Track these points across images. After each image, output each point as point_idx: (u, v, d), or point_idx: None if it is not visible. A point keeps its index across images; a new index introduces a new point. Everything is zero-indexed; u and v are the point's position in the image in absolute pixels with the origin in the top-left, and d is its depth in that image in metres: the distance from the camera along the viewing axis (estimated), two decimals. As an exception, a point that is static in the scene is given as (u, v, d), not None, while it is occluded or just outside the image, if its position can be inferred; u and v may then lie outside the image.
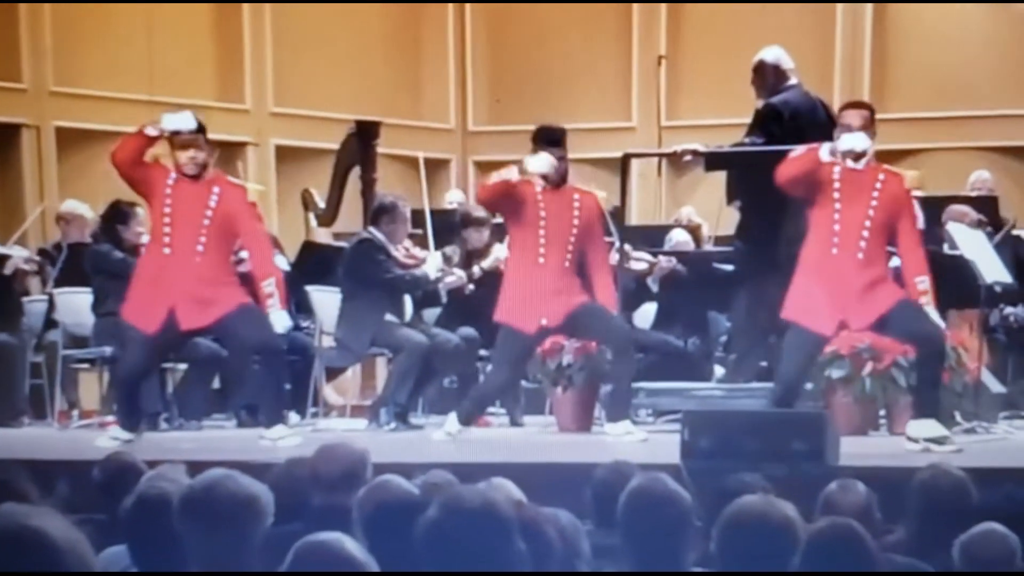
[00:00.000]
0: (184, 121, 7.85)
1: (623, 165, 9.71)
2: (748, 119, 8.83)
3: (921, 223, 9.51)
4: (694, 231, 11.20)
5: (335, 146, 11.66)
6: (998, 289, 8.64)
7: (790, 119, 8.55)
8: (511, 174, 8.06)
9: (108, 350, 9.32)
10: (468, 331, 9.50)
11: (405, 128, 13.80)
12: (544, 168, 8.03)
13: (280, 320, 7.83)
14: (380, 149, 11.46)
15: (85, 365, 10.14)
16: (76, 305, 9.82)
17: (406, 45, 14.72)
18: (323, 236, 11.45)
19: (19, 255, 10.49)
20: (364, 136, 11.26)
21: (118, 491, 4.75)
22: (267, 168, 13.89)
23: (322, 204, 11.48)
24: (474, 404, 8.26)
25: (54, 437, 9.39)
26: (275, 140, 13.92)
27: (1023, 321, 9.73)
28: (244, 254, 8.22)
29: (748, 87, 8.92)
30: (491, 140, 14.64)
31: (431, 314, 9.87)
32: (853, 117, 7.39)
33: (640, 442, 7.79)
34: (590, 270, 8.09)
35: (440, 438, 8.06)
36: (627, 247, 9.43)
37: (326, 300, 9.66)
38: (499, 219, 8.98)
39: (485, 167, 14.84)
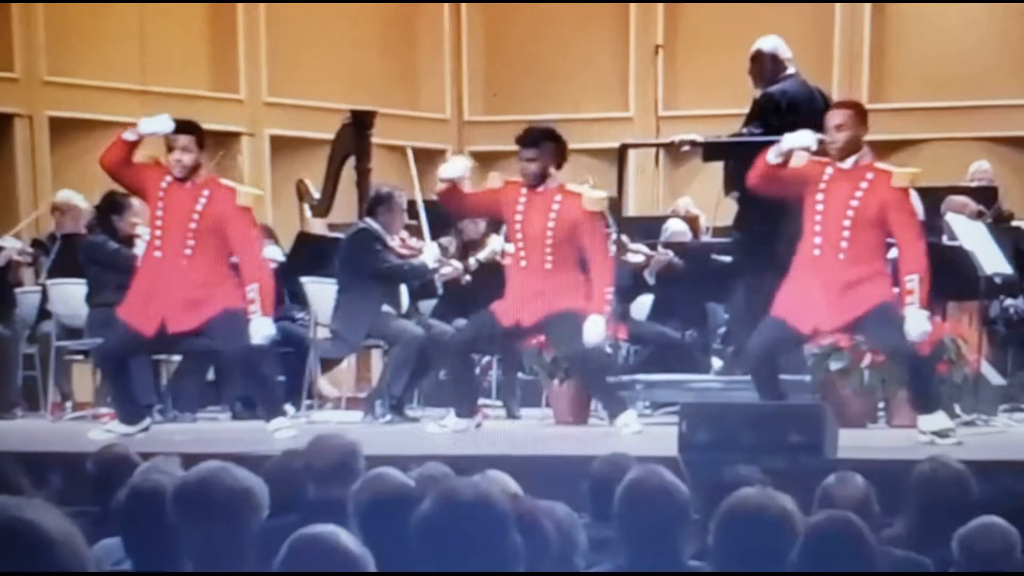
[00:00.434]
0: (160, 124, 7.80)
1: (620, 155, 9.69)
2: (746, 109, 8.81)
3: (920, 214, 9.50)
4: (692, 222, 11.18)
5: (330, 136, 11.64)
6: (998, 280, 8.61)
7: (788, 109, 8.53)
8: (494, 182, 8.10)
9: (102, 341, 9.29)
10: (464, 322, 9.48)
11: (401, 118, 13.77)
12: (452, 173, 8.04)
13: (260, 328, 7.70)
14: (375, 139, 11.44)
15: (79, 356, 10.11)
16: (70, 296, 9.79)
17: (402, 35, 14.69)
18: (318, 227, 11.43)
19: (12, 246, 10.46)
20: (359, 126, 11.23)
21: (112, 483, 4.72)
22: (262, 158, 13.86)
23: (317, 194, 11.45)
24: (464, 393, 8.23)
25: (47, 429, 9.37)
26: (270, 130, 13.90)
27: (1023, 313, 9.70)
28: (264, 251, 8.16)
29: (746, 77, 8.90)
30: (487, 130, 14.61)
31: (427, 305, 9.85)
32: (831, 116, 7.34)
33: (634, 434, 7.76)
34: (588, 270, 8.03)
35: (432, 430, 8.06)
36: (624, 238, 9.40)
37: (321, 291, 9.63)
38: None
39: (481, 157, 14.82)
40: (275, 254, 10.29)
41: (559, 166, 8.11)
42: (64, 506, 2.40)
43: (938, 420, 7.18)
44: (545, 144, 8.04)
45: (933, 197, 9.74)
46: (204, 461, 3.89)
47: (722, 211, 10.35)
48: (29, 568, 2.04)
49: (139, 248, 9.13)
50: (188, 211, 7.78)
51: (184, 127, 7.91)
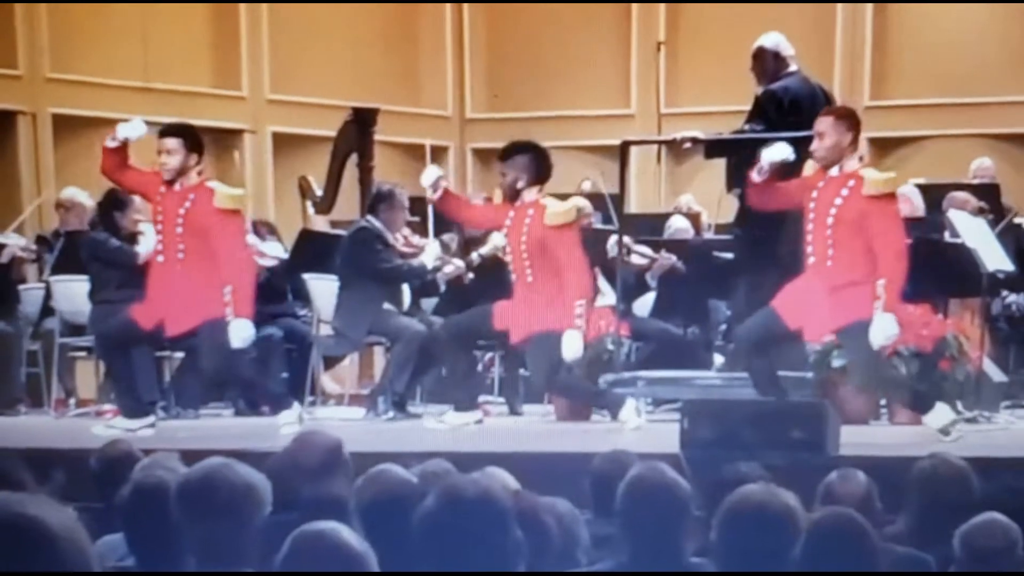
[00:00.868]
0: (133, 129, 7.84)
1: (622, 153, 9.68)
2: (748, 106, 8.80)
3: (921, 211, 9.49)
4: (693, 219, 11.18)
5: (332, 133, 11.63)
6: (1000, 276, 8.61)
7: (790, 106, 8.52)
8: (498, 197, 8.17)
9: (103, 325, 9.30)
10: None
11: (403, 115, 13.78)
12: (426, 182, 8.04)
13: (237, 331, 7.65)
14: (378, 136, 11.44)
15: (82, 353, 10.12)
16: (73, 293, 9.80)
17: (404, 32, 14.70)
18: (320, 224, 11.43)
19: (15, 243, 10.46)
20: (362, 123, 11.23)
21: (115, 480, 4.73)
22: (264, 155, 13.87)
23: (319, 192, 11.45)
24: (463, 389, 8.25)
25: (50, 425, 9.38)
26: (272, 127, 13.90)
27: (1025, 309, 9.70)
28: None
29: (748, 74, 8.90)
30: (489, 128, 14.62)
31: (429, 303, 9.85)
32: (816, 124, 7.33)
33: (634, 429, 7.75)
34: (549, 279, 8.00)
35: (431, 426, 8.07)
36: (627, 240, 9.40)
37: (323, 288, 9.63)
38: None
39: (483, 155, 14.83)
40: (277, 251, 10.30)
41: (538, 180, 8.03)
42: (67, 502, 2.40)
43: (939, 417, 7.17)
44: (517, 158, 8.01)
45: (935, 194, 9.75)
46: (207, 457, 3.90)
47: (724, 208, 10.36)
48: (32, 564, 2.04)
49: (141, 245, 9.13)
50: (175, 215, 7.83)
51: (169, 130, 7.92)
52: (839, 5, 13.98)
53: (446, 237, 10.04)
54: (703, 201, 11.78)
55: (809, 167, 7.36)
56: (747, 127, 8.64)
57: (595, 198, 10.70)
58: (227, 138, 13.60)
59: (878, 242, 7.10)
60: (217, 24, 13.74)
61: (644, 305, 10.17)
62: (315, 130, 13.13)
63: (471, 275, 9.53)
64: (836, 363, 8.22)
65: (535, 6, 14.49)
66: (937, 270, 7.47)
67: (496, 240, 9.39)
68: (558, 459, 6.39)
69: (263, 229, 10.68)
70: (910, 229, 7.53)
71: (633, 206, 12.61)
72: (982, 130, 13.46)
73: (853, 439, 6.79)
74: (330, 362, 10.33)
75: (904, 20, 14.04)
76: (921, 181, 10.52)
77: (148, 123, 7.99)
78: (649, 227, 10.72)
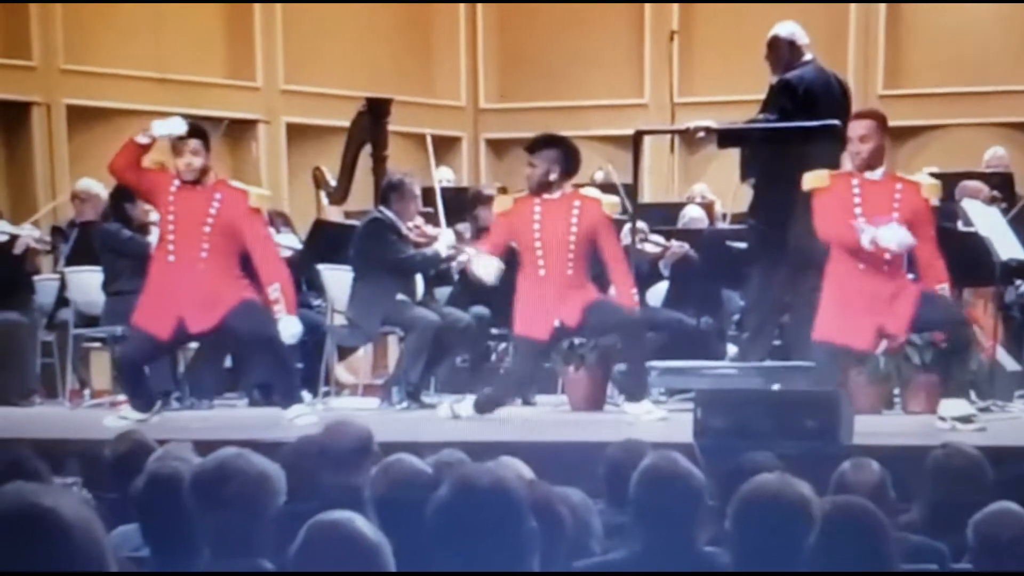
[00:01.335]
0: (173, 126, 7.83)
1: (635, 142, 9.66)
2: (762, 95, 8.78)
3: (935, 200, 9.48)
4: (707, 208, 11.17)
5: (346, 124, 11.64)
6: (1013, 265, 8.59)
7: (805, 95, 8.50)
8: (503, 205, 8.11)
9: (119, 329, 9.32)
10: (480, 309, 9.49)
11: (416, 106, 13.77)
12: (483, 273, 8.03)
13: (288, 327, 7.80)
14: (391, 127, 11.44)
15: (96, 344, 10.14)
16: (87, 284, 9.82)
17: (417, 22, 14.69)
18: (334, 214, 11.44)
19: (29, 234, 10.48)
20: (375, 114, 11.24)
21: (129, 470, 4.74)
22: (278, 146, 13.88)
23: (333, 182, 11.46)
24: (493, 399, 8.20)
25: (65, 416, 9.40)
26: (286, 118, 13.91)
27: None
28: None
29: (762, 63, 8.88)
30: (502, 118, 14.62)
31: (443, 293, 9.86)
32: (855, 127, 7.35)
33: (660, 420, 7.77)
34: (607, 271, 8.06)
35: (444, 415, 8.07)
36: (642, 226, 9.39)
37: (337, 278, 9.64)
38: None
39: (496, 145, 14.82)
40: (292, 241, 10.31)
41: (568, 174, 8.07)
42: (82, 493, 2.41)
43: (959, 406, 7.18)
44: (547, 151, 8.02)
45: (949, 183, 9.73)
46: (221, 448, 3.91)
47: (738, 198, 10.35)
48: (47, 554, 2.04)
49: (154, 236, 9.16)
50: (202, 214, 7.82)
51: (193, 131, 7.95)
52: (853, -7, 13.94)
53: (460, 227, 10.04)
54: (717, 190, 11.77)
55: (808, 180, 7.34)
56: (762, 116, 8.62)
57: (608, 188, 10.70)
58: (241, 129, 13.61)
59: (930, 249, 7.27)
60: (231, 15, 13.74)
61: (657, 295, 10.16)
62: (329, 121, 13.13)
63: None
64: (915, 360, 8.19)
65: (549, -4, 14.47)
66: (950, 259, 7.45)
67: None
68: (571, 448, 6.40)
69: (277, 220, 10.69)
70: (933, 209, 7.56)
71: (647, 196, 12.60)
72: (996, 119, 13.42)
73: (867, 428, 6.79)
74: (344, 352, 10.34)
75: (918, 8, 13.99)
76: (935, 170, 10.51)
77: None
78: (663, 217, 10.71)
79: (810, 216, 7.52)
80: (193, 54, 13.40)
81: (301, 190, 12.85)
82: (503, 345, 10.07)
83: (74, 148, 12.83)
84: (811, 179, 7.40)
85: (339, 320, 9.60)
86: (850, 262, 7.25)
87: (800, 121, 8.37)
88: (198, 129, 8.03)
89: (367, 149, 11.24)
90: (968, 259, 8.27)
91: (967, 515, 4.28)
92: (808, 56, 8.74)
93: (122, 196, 9.50)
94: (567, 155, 8.09)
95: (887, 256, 7.21)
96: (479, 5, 14.82)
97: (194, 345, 9.72)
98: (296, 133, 13.86)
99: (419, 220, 9.50)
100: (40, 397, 10.16)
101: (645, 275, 9.65)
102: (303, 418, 7.69)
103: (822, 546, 3.84)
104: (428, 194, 10.01)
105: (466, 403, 8.13)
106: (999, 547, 4.15)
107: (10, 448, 5.38)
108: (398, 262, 9.17)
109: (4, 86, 12.64)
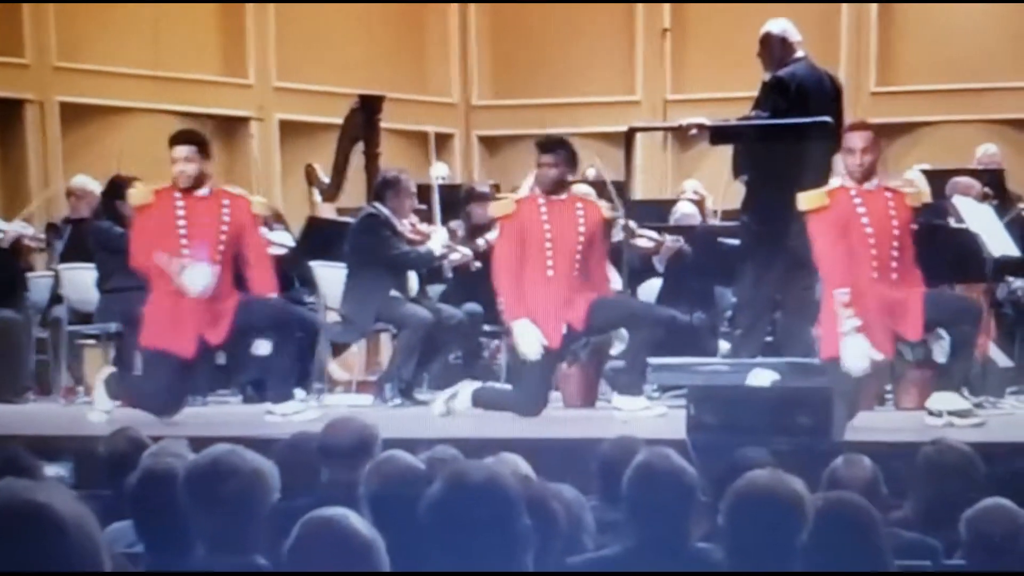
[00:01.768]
0: (197, 281, 7.63)
1: (628, 139, 9.67)
2: (755, 92, 8.79)
3: (927, 196, 9.50)
4: (699, 204, 11.17)
5: (339, 121, 11.63)
6: (1004, 262, 8.60)
7: (797, 92, 8.52)
8: (506, 208, 8.08)
9: (113, 326, 9.32)
10: (473, 306, 9.49)
11: (409, 102, 13.77)
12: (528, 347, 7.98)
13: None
14: (384, 124, 11.44)
15: (90, 341, 10.13)
16: (81, 281, 9.81)
17: (410, 19, 14.68)
18: (327, 211, 11.44)
19: (18, 229, 10.45)
20: (368, 111, 11.23)
21: (123, 466, 4.75)
22: (271, 143, 13.87)
23: (326, 179, 11.46)
24: (496, 405, 8.15)
25: (59, 413, 9.40)
26: (279, 115, 13.90)
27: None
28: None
29: (754, 60, 8.89)
30: (495, 114, 14.62)
31: (436, 289, 9.86)
32: (855, 139, 7.36)
33: (659, 416, 7.77)
34: (589, 271, 8.05)
35: (438, 411, 8.05)
36: (631, 223, 9.39)
37: (330, 275, 9.64)
38: (503, 194, 8.96)
39: (489, 141, 14.82)
40: (285, 238, 10.31)
41: (573, 175, 8.19)
42: (76, 489, 2.42)
43: (953, 400, 7.19)
44: (561, 151, 8.06)
45: (940, 180, 9.74)
46: (215, 444, 3.91)
47: (730, 194, 10.36)
48: (42, 551, 2.04)
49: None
50: (215, 220, 7.73)
51: (183, 137, 7.89)
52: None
53: (453, 224, 10.04)
54: (709, 187, 11.77)
55: (804, 200, 7.35)
56: (754, 113, 8.63)
57: (599, 185, 10.71)
58: (234, 126, 13.61)
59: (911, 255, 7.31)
60: (224, 12, 13.73)
61: (650, 291, 10.17)
62: (322, 118, 13.12)
63: (478, 263, 9.54)
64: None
65: (541, -8, 14.47)
66: (942, 256, 7.47)
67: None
68: (564, 445, 6.40)
69: (270, 218, 10.68)
70: (915, 215, 7.56)
71: (639, 193, 12.60)
72: (988, 116, 13.43)
73: (859, 424, 6.80)
74: (338, 349, 10.34)
75: (910, 6, 14.01)
76: (927, 167, 10.52)
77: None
78: (655, 213, 10.71)
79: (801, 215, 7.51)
80: (186, 51, 13.39)
81: (294, 187, 12.84)
82: (496, 342, 10.08)
83: (67, 145, 12.82)
84: (808, 199, 7.38)
85: (332, 317, 9.60)
86: (864, 270, 7.24)
87: (792, 118, 8.38)
88: (189, 135, 7.98)
89: (360, 146, 11.23)
90: (960, 256, 8.28)
91: (959, 511, 4.29)
92: (800, 53, 8.75)
93: (114, 193, 9.50)
94: (575, 156, 8.16)
95: (893, 264, 7.22)
96: (471, 3, 14.82)
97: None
98: (289, 130, 13.85)
99: (414, 218, 9.50)
100: (34, 394, 10.16)
101: (638, 271, 9.65)
102: (301, 414, 7.68)
103: (814, 542, 3.85)
104: (423, 191, 10.01)
105: (462, 396, 8.10)
106: (991, 543, 4.16)
107: (4, 445, 5.39)
108: (392, 259, 9.17)
109: (-3, 84, 12.64)
